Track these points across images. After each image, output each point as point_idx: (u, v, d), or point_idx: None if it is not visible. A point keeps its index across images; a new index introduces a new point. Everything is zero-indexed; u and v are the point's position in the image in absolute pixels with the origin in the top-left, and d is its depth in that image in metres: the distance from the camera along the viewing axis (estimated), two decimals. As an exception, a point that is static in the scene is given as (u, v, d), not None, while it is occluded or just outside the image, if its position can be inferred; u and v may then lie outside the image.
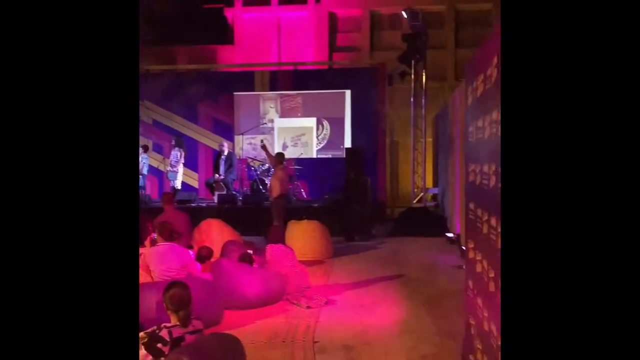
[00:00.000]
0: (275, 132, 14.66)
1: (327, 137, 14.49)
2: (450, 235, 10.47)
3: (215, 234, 8.37)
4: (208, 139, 14.82)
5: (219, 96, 14.79)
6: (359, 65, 16.33)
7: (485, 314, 3.10)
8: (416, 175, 13.85)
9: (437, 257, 9.09)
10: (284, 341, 5.02)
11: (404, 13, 13.24)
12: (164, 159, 14.08)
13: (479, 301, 3.34)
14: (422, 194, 13.67)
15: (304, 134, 14.61)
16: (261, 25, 18.68)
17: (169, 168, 13.22)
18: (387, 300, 6.42)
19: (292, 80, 14.79)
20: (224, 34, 19.01)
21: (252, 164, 13.56)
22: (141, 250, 6.20)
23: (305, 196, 13.47)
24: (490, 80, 3.02)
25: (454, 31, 17.70)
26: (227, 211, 11.23)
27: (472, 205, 3.77)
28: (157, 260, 5.55)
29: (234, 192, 12.74)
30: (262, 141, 11.94)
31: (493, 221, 2.90)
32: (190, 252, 6.27)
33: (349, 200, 10.97)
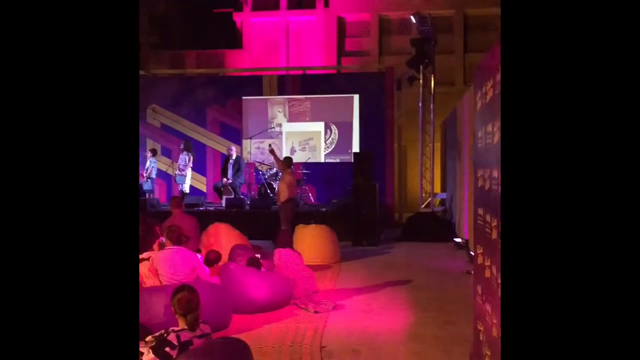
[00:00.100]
0: (284, 136, 14.67)
1: (335, 141, 14.49)
2: (458, 240, 10.44)
3: (223, 238, 8.38)
4: (216, 143, 14.85)
5: (227, 100, 14.82)
6: (367, 69, 16.33)
7: (494, 320, 3.08)
8: (424, 180, 13.82)
9: (445, 262, 9.06)
10: (291, 346, 5.01)
11: (412, 18, 13.24)
12: (172, 162, 14.12)
13: (488, 307, 3.33)
14: (430, 199, 13.64)
15: (312, 138, 14.62)
16: (270, 29, 18.74)
17: (177, 172, 13.26)
18: (394, 305, 6.40)
19: (300, 84, 14.81)
20: (233, 39, 19.07)
21: (260, 168, 13.57)
22: (149, 254, 6.22)
23: (313, 200, 13.46)
24: (500, 86, 3.01)
25: (462, 36, 17.70)
26: (235, 215, 11.23)
27: (480, 211, 3.75)
28: (165, 264, 5.56)
29: (242, 196, 12.75)
30: (270, 145, 11.95)
31: (502, 227, 2.89)
32: (199, 256, 6.28)
33: (357, 204, 10.96)
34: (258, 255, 6.92)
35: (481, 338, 3.61)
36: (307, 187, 13.35)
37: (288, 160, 10.15)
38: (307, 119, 14.60)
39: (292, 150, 14.42)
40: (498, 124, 3.05)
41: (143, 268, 5.83)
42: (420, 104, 13.48)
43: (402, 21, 17.67)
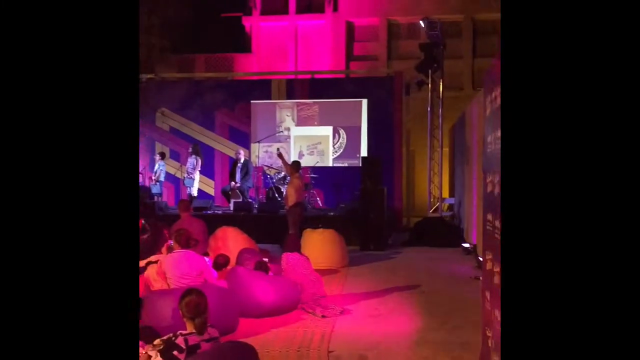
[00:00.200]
0: (292, 140, 14.69)
1: (343, 145, 14.49)
2: (466, 245, 10.40)
3: (231, 241, 8.39)
4: (224, 147, 14.89)
5: (236, 104, 14.85)
6: (375, 74, 16.34)
7: (503, 327, 3.07)
8: (432, 185, 13.80)
9: (453, 267, 9.03)
10: (298, 350, 5.00)
11: (421, 23, 13.25)
12: (180, 166, 14.16)
13: (497, 313, 3.31)
14: (438, 203, 13.62)
15: (320, 143, 14.62)
16: (279, 33, 18.79)
17: (185, 175, 13.30)
18: (402, 310, 6.39)
19: (308, 88, 14.83)
20: (242, 43, 19.13)
21: (268, 172, 13.59)
22: (158, 257, 6.24)
23: (321, 205, 13.46)
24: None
25: (471, 40, 17.67)
26: (243, 219, 11.24)
27: (489, 216, 3.74)
28: (173, 267, 5.57)
29: (250, 200, 12.77)
30: (278, 149, 11.96)
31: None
32: (207, 259, 6.29)
33: (365, 209, 10.94)
34: (266, 259, 6.92)
35: (490, 344, 3.59)
36: (315, 191, 13.35)
37: (296, 164, 10.15)
38: (316, 123, 14.61)
39: (300, 154, 14.43)
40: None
41: (151, 271, 5.85)
42: (428, 109, 13.48)
43: (411, 26, 17.68)
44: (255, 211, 12.18)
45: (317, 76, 15.84)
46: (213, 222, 9.23)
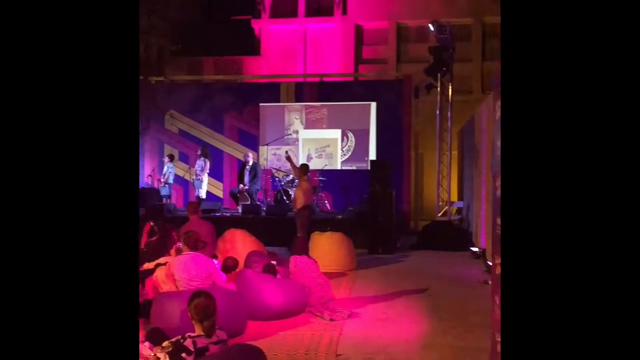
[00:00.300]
0: (300, 143, 14.70)
1: (351, 148, 14.49)
2: (475, 249, 10.37)
3: (239, 244, 8.39)
4: (233, 149, 14.91)
5: (244, 107, 14.88)
6: (384, 77, 16.30)
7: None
8: (441, 189, 13.77)
9: (462, 271, 9.00)
10: (306, 353, 5.00)
11: (431, 26, 13.23)
12: (189, 168, 14.21)
13: (506, 318, 3.30)
14: (446, 207, 13.58)
15: (328, 146, 14.63)
16: (288, 36, 18.80)
17: (194, 177, 13.34)
18: (410, 314, 6.37)
19: (317, 91, 14.84)
20: (251, 45, 19.15)
21: (276, 174, 13.60)
22: (166, 259, 6.25)
23: (329, 207, 13.45)
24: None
25: (481, 44, 17.60)
26: (251, 221, 11.26)
27: (499, 221, 3.73)
28: (182, 270, 5.58)
29: (258, 203, 12.78)
30: (286, 152, 11.97)
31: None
32: (215, 261, 6.30)
33: (373, 212, 10.93)
34: (274, 262, 6.92)
35: (498, 349, 3.57)
36: (323, 194, 13.35)
37: (304, 167, 10.15)
38: (324, 126, 14.62)
39: (309, 157, 14.44)
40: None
41: (160, 273, 5.86)
42: (437, 112, 13.45)
43: (420, 29, 17.64)
44: (263, 214, 12.19)
45: (326, 79, 15.85)
46: (221, 225, 9.25)
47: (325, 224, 10.34)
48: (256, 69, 18.64)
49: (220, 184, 14.83)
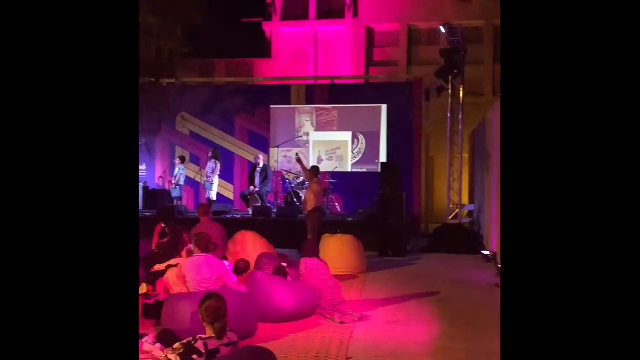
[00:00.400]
0: (311, 145, 14.71)
1: (362, 151, 14.48)
2: (486, 253, 10.32)
3: (250, 246, 8.40)
4: (244, 151, 14.95)
5: (255, 109, 14.92)
6: (395, 80, 16.31)
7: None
8: (452, 191, 13.73)
9: (473, 275, 8.96)
10: (317, 356, 4.99)
11: (442, 28, 13.20)
12: (200, 170, 14.26)
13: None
14: (457, 210, 13.54)
15: (339, 148, 14.63)
16: (299, 39, 18.84)
17: (205, 179, 13.39)
18: (421, 317, 6.35)
19: (328, 94, 14.85)
20: (262, 48, 19.22)
21: (287, 176, 13.62)
22: (178, 260, 6.27)
23: (339, 210, 13.45)
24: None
25: (492, 46, 17.55)
26: (262, 223, 11.27)
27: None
28: (193, 271, 5.60)
29: (269, 205, 12.80)
30: (297, 154, 11.98)
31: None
32: (226, 263, 6.31)
33: (384, 214, 10.91)
34: (284, 264, 6.93)
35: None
36: (333, 197, 13.35)
37: (315, 169, 10.15)
38: (335, 128, 14.62)
39: (319, 160, 14.45)
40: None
41: (171, 274, 5.89)
42: (448, 115, 13.42)
43: (431, 31, 17.62)
44: (273, 216, 12.21)
45: (336, 81, 15.86)
46: (232, 227, 9.26)
47: (335, 227, 10.34)
48: (267, 71, 18.70)
49: (230, 186, 14.87)
